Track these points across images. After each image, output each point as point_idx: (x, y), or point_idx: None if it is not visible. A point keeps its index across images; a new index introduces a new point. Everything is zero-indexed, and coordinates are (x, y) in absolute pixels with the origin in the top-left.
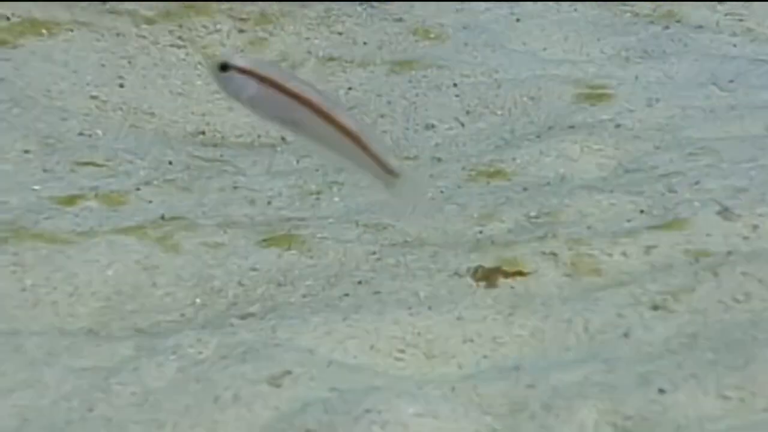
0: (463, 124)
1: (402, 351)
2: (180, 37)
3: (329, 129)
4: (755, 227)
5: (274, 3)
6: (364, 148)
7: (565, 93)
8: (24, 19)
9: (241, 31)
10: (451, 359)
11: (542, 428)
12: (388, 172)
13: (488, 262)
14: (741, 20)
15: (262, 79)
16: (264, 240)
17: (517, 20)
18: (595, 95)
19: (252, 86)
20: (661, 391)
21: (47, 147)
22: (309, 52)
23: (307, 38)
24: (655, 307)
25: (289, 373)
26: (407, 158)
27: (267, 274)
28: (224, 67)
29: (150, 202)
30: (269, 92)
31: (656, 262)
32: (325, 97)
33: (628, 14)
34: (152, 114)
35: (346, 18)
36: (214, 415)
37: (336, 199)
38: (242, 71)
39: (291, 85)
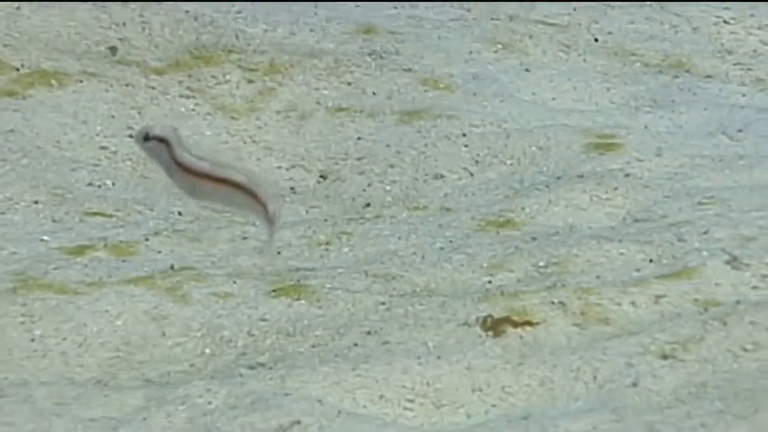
0: (472, 174)
1: (411, 400)
2: (189, 88)
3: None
4: (764, 276)
5: (284, 53)
6: (253, 195)
7: (574, 142)
8: (33, 70)
9: (250, 81)
10: (460, 409)
11: None
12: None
13: (497, 312)
14: (750, 70)
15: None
16: (273, 290)
17: (527, 70)
18: (604, 145)
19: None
20: None
21: (56, 197)
22: (318, 103)
23: (317, 88)
24: (664, 357)
25: (298, 422)
26: (416, 208)
27: (276, 324)
28: (146, 137)
29: (159, 252)
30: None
31: (665, 312)
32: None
33: (638, 64)
34: None
35: (355, 68)
36: None
37: (345, 249)
38: (161, 140)
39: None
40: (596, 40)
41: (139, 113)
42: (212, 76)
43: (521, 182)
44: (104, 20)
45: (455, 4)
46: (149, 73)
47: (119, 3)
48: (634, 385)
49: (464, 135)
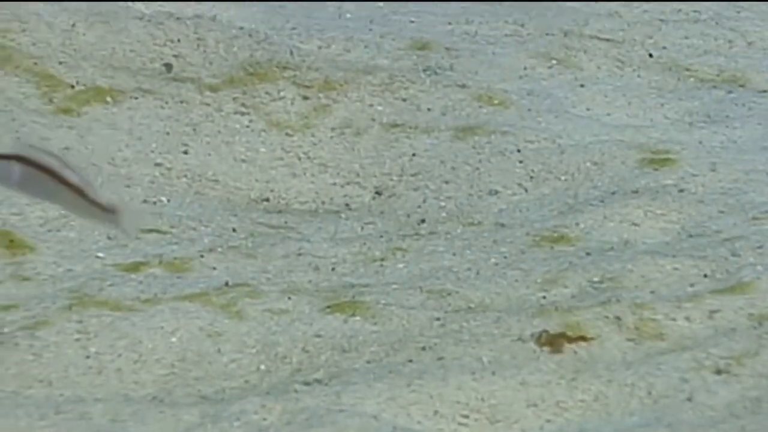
0: (526, 190)
1: (466, 416)
2: (244, 104)
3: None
4: None
5: (338, 70)
6: (84, 196)
7: (628, 158)
8: (88, 87)
9: (305, 98)
10: (515, 424)
11: None
12: (106, 210)
13: (552, 327)
14: None
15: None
16: (328, 306)
17: (581, 86)
18: (658, 160)
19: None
20: None
21: None
22: (373, 119)
23: (371, 105)
24: (719, 372)
25: None
26: (471, 224)
27: (331, 340)
28: None
29: (214, 268)
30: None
31: (719, 326)
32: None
33: (692, 79)
34: (216, 181)
35: (410, 84)
36: None
37: (400, 265)
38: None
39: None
40: (651, 55)
41: (194, 130)
42: (267, 93)
43: (576, 198)
44: (159, 37)
45: (509, 19)
46: (204, 90)
47: (174, 20)
48: (689, 400)
49: (519, 151)
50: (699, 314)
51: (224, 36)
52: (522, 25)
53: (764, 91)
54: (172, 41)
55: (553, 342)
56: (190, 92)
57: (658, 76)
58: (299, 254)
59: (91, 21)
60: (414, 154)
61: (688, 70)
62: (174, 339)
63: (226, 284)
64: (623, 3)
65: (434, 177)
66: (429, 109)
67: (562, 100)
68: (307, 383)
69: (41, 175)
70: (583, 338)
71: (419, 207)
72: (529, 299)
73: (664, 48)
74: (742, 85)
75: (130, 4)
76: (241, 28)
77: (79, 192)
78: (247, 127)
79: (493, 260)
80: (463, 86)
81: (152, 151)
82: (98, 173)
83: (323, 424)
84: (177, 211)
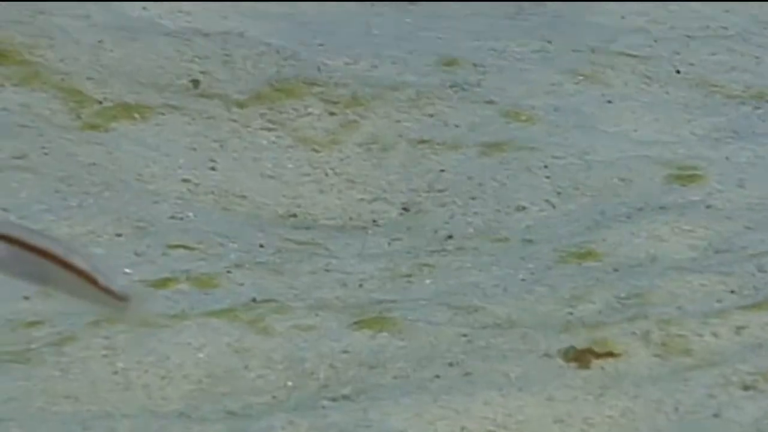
0: (553, 206)
1: None
2: (271, 120)
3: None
4: None
5: (366, 86)
6: (95, 284)
7: (655, 174)
8: (116, 103)
9: (331, 113)
10: None
11: None
12: (118, 298)
13: (579, 343)
14: None
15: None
16: (355, 322)
17: (608, 102)
18: (685, 176)
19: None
20: None
21: (139, 230)
22: (400, 135)
23: (398, 121)
24: (746, 388)
25: None
26: (498, 240)
27: (358, 356)
28: None
29: (241, 284)
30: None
31: (747, 342)
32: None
33: (719, 95)
34: (243, 197)
35: (437, 101)
36: None
37: (427, 281)
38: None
39: (35, 242)
40: (678, 71)
41: (221, 146)
42: (294, 109)
43: (603, 214)
44: (186, 53)
45: (536, 35)
46: (231, 106)
47: (202, 36)
48: (716, 416)
49: (546, 167)
50: (726, 330)
51: (251, 52)
52: (549, 42)
53: None
54: (199, 57)
55: (580, 358)
56: (218, 108)
57: (685, 93)
58: (326, 270)
59: (119, 37)
60: (441, 170)
61: (715, 86)
62: (201, 355)
63: (254, 300)
64: (650, 20)
65: (461, 193)
66: (456, 125)
67: (590, 116)
68: (334, 399)
69: (36, 257)
70: (610, 354)
71: (446, 223)
72: (556, 315)
73: (692, 64)
74: None
75: (157, 20)
76: (269, 44)
77: (88, 279)
78: (274, 143)
79: (520, 276)
80: (491, 102)
81: (179, 167)
82: (103, 260)
83: None
84: (204, 227)
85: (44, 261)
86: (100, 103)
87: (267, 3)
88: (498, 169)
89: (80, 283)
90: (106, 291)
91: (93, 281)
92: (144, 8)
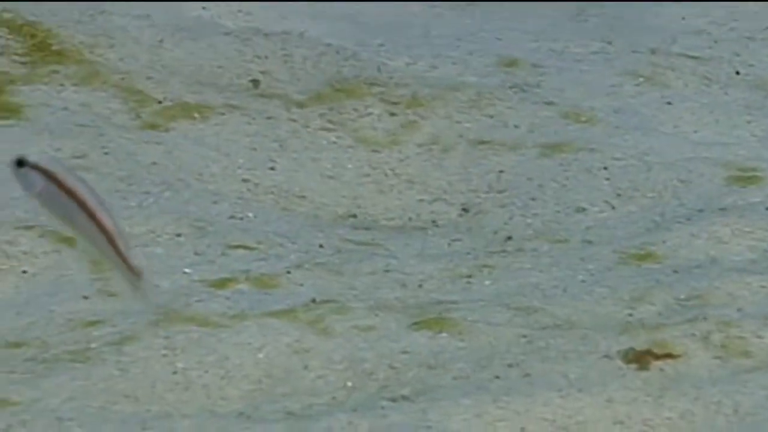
0: (613, 207)
1: None
2: (331, 121)
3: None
4: None
5: (426, 86)
6: (116, 247)
7: (715, 175)
8: (176, 103)
9: (392, 114)
10: None
11: None
12: (133, 272)
13: (638, 345)
14: None
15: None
16: (415, 323)
17: (668, 103)
18: (745, 177)
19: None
20: None
21: (199, 230)
22: (460, 136)
23: (458, 121)
24: None
25: None
26: (558, 241)
27: (418, 356)
28: (20, 163)
29: (301, 285)
30: (53, 188)
31: None
32: (95, 197)
33: None
34: (303, 197)
35: (498, 101)
36: None
37: (487, 282)
38: (35, 168)
39: (70, 183)
40: (738, 72)
41: (281, 146)
42: (354, 109)
43: (663, 215)
44: (247, 53)
45: (597, 36)
46: (291, 106)
47: (262, 36)
48: None
49: (605, 168)
50: None
51: (312, 52)
52: (609, 43)
53: None
54: (259, 57)
55: (639, 359)
56: (278, 108)
57: (745, 94)
58: (386, 271)
59: (179, 37)
60: (501, 171)
61: None
62: (261, 355)
63: (313, 301)
64: (710, 21)
65: (521, 194)
66: (516, 126)
67: (649, 117)
68: (393, 400)
69: (68, 200)
70: (669, 355)
71: (506, 224)
72: (615, 316)
73: (752, 65)
74: None
75: (217, 19)
76: (329, 44)
77: (110, 239)
78: (334, 143)
79: (579, 277)
80: (550, 103)
81: (239, 167)
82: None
83: None
84: (264, 227)
85: (74, 207)
86: (160, 102)
87: (327, 3)
88: (558, 170)
89: (102, 241)
90: (123, 258)
91: (114, 243)
92: (204, 8)
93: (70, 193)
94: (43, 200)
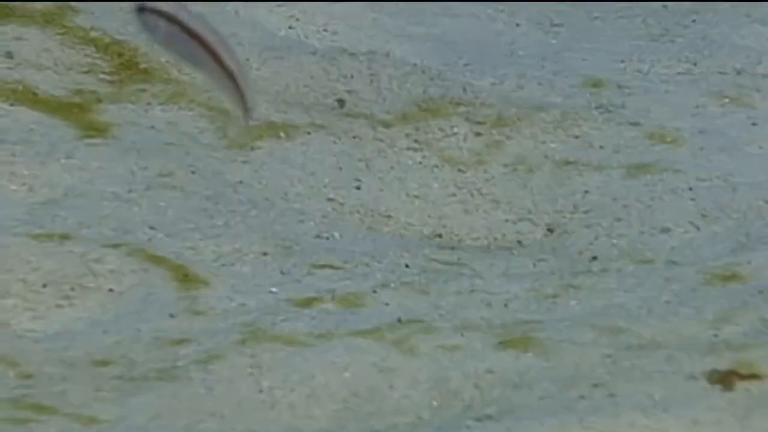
0: (698, 228)
1: None
2: (416, 141)
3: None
4: None
5: (511, 106)
6: (237, 85)
7: None
8: (262, 122)
9: (477, 134)
10: None
11: None
12: (246, 106)
13: (723, 365)
14: None
15: (171, 19)
16: (500, 342)
17: (753, 124)
18: None
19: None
20: None
21: (285, 249)
22: (546, 156)
23: (544, 142)
24: None
25: None
26: (643, 261)
27: (503, 376)
28: (141, 9)
29: (387, 304)
30: (175, 31)
31: None
32: (217, 36)
33: None
34: (389, 217)
35: (583, 122)
36: None
37: (572, 302)
38: (155, 12)
39: (192, 25)
40: None
41: (367, 166)
42: (440, 129)
43: (748, 236)
44: (333, 72)
45: (682, 57)
46: (377, 126)
47: (348, 55)
48: None
49: (691, 189)
50: None
51: (397, 72)
52: (694, 64)
53: None
54: (345, 77)
55: (724, 380)
56: (363, 128)
57: None
58: (472, 290)
59: (265, 56)
60: (586, 191)
61: None
62: (347, 374)
63: (399, 320)
64: None
65: (606, 214)
66: (601, 147)
67: (735, 138)
68: (478, 419)
69: (191, 41)
70: (755, 376)
71: (591, 244)
72: (700, 337)
73: None
74: None
75: (303, 39)
76: (415, 64)
77: (232, 80)
78: (420, 163)
79: (664, 298)
80: (636, 124)
81: (325, 186)
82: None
83: None
84: (350, 247)
85: (197, 46)
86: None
87: (412, 23)
88: (643, 190)
89: (223, 77)
90: (241, 94)
91: (234, 79)
92: (290, 27)
93: (192, 34)
94: (166, 43)
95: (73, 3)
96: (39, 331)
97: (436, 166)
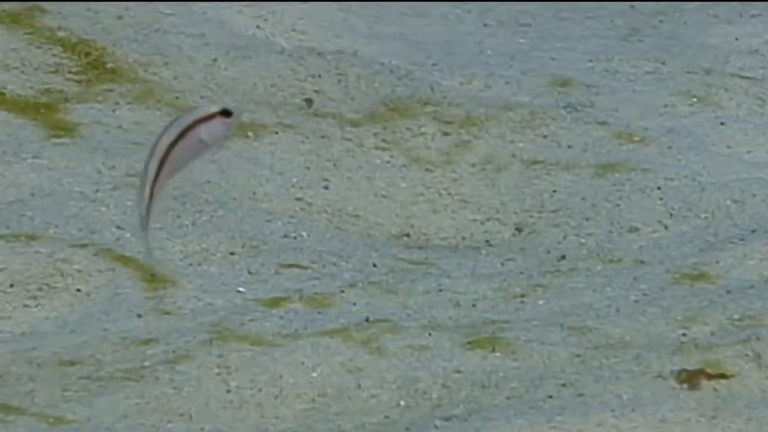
0: (666, 227)
1: None
2: (384, 140)
3: None
4: None
5: (479, 106)
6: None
7: None
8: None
9: (445, 134)
10: None
11: None
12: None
13: (691, 365)
14: None
15: None
16: (468, 342)
17: (722, 123)
18: None
19: None
20: None
21: (252, 249)
22: (514, 155)
23: (512, 141)
24: None
25: None
26: (611, 261)
27: (471, 376)
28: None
29: (354, 304)
30: None
31: None
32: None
33: None
34: (357, 216)
35: (551, 121)
36: None
37: (540, 302)
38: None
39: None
40: None
41: (335, 165)
42: (407, 129)
43: (716, 235)
44: (300, 72)
45: (650, 56)
46: (345, 125)
47: (316, 55)
48: None
49: (659, 188)
50: None
51: (365, 71)
52: (663, 63)
53: None
54: (312, 76)
55: (692, 379)
56: (331, 127)
57: None
58: (440, 290)
59: (233, 56)
60: (554, 191)
61: None
62: (314, 374)
63: (367, 320)
64: (764, 42)
65: (574, 214)
66: (569, 146)
67: (703, 138)
68: (446, 419)
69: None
70: (723, 375)
71: (559, 243)
72: (668, 336)
73: None
74: None
75: (271, 38)
76: (383, 63)
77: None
78: (388, 162)
79: (633, 297)
80: (604, 123)
81: (293, 186)
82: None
83: None
84: (317, 247)
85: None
86: None
87: (381, 23)
88: (611, 190)
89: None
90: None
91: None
92: (258, 27)
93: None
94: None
95: (40, 3)
96: (6, 332)
97: (404, 166)
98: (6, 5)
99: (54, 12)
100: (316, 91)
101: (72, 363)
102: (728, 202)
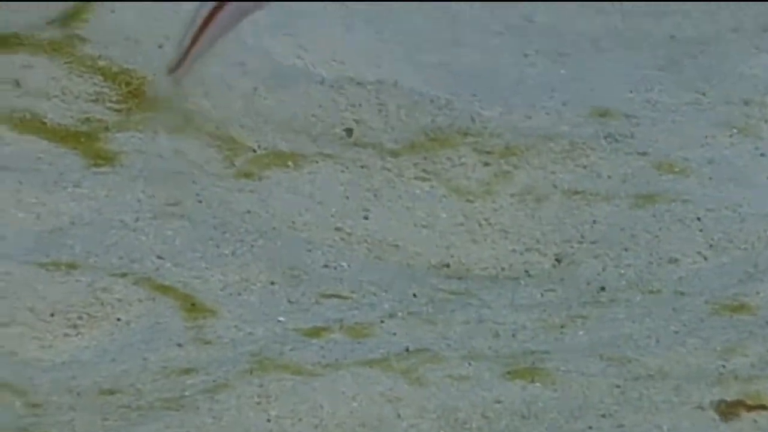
0: (706, 258)
1: None
2: (425, 170)
3: None
4: None
5: (519, 136)
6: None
7: None
8: (270, 151)
9: (485, 164)
10: None
11: None
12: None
13: (731, 396)
14: None
15: None
16: (508, 372)
17: (762, 155)
18: None
19: None
20: None
21: (292, 279)
22: (554, 186)
23: (552, 172)
24: None
25: None
26: (651, 292)
27: (511, 406)
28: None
29: (394, 334)
30: None
31: None
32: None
33: None
34: (397, 246)
35: (591, 152)
36: None
37: (580, 332)
38: None
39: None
40: None
41: (375, 195)
42: (448, 159)
43: (756, 266)
44: (341, 102)
45: (690, 87)
46: (385, 155)
47: (356, 85)
48: None
49: (699, 219)
50: None
51: (406, 101)
52: (703, 94)
53: None
54: (353, 106)
55: (732, 410)
56: (371, 157)
57: None
58: (479, 320)
59: (272, 85)
60: (594, 222)
61: None
62: (354, 404)
63: (407, 350)
64: None
65: (614, 244)
66: (609, 177)
67: (743, 168)
68: None
69: None
70: (762, 407)
71: (599, 274)
72: (708, 367)
73: None
74: None
75: (311, 68)
76: (422, 93)
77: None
78: (428, 192)
79: (672, 328)
80: (644, 154)
81: (332, 216)
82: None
83: None
84: (357, 277)
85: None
86: (254, 150)
87: (421, 52)
88: (650, 220)
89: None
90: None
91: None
92: (298, 57)
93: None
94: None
95: (80, 32)
96: (46, 360)
97: (444, 196)
98: (47, 34)
99: (94, 41)
100: (356, 121)
101: (112, 392)
102: None
